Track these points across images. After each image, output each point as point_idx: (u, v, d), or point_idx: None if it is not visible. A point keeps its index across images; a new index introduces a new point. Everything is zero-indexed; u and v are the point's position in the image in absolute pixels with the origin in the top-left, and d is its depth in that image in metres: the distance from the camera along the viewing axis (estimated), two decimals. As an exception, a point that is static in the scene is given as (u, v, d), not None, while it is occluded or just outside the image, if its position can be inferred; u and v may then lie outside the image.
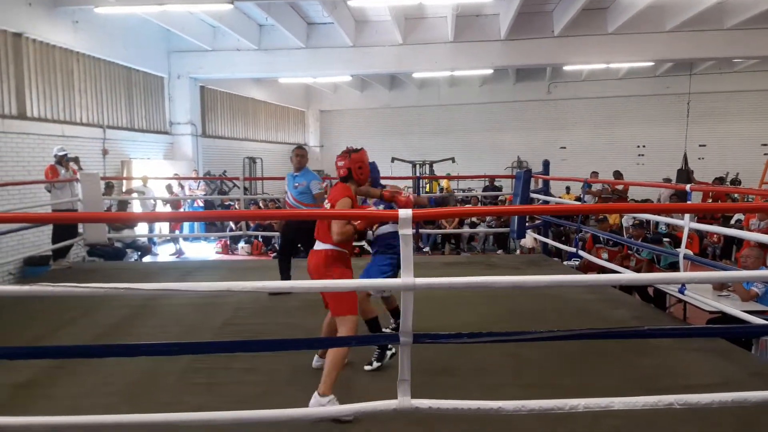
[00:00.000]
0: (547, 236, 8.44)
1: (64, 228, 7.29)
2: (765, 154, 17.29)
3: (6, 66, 9.48)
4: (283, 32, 13.32)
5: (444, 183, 16.49)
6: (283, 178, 6.44)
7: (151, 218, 10.02)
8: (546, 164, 8.28)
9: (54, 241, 7.37)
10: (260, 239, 12.56)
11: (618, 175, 14.60)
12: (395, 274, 3.77)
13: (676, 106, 19.21)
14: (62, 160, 7.58)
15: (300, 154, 5.89)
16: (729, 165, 17.87)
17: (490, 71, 16.59)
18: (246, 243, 12.73)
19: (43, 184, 7.63)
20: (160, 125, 14.49)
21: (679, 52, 13.99)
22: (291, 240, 6.11)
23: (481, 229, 12.04)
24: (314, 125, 22.35)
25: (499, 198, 13.71)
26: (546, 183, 8.44)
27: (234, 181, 13.48)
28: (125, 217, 8.41)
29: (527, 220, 8.07)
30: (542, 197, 8.23)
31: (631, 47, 13.69)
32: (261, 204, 13.41)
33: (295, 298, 5.36)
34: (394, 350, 3.57)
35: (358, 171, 3.51)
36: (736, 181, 16.78)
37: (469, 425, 2.86)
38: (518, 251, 11.35)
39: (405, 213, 2.43)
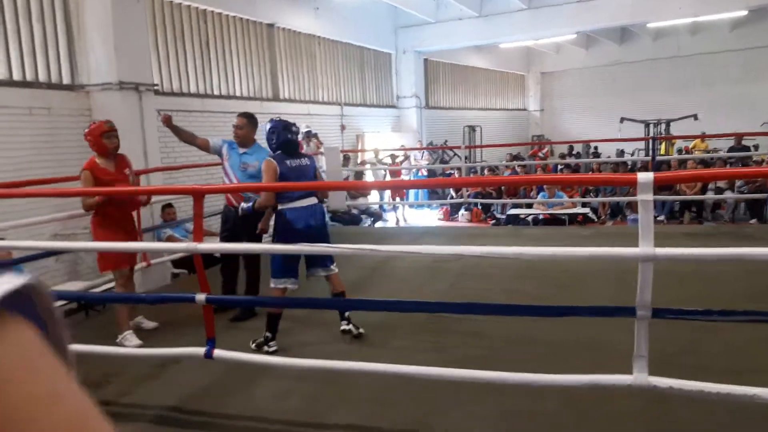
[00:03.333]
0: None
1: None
2: None
3: (263, 54, 10.96)
4: (504, -5, 13.08)
5: (695, 143, 14.73)
6: (505, 145, 6.17)
7: (381, 186, 10.92)
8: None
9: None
10: (479, 206, 12.74)
11: None
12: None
13: None
14: (306, 136, 8.59)
15: (241, 124, 4.56)
16: None
17: (743, 13, 14.21)
18: (466, 210, 13.03)
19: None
20: (388, 99, 15.45)
21: None
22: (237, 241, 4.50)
23: (729, 194, 10.55)
24: (534, 88, 21.65)
25: (755, 159, 11.84)
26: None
27: (455, 149, 13.81)
28: (360, 185, 9.28)
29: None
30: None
31: None
32: (480, 171, 13.57)
33: (514, 265, 5.30)
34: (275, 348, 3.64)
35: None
36: None
37: (713, 413, 2.63)
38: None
39: (645, 176, 2.31)
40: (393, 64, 15.49)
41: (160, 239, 7.01)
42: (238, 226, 4.45)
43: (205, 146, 4.67)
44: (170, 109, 8.94)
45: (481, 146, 16.12)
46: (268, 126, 3.92)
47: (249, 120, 4.61)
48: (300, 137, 8.59)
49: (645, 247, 2.31)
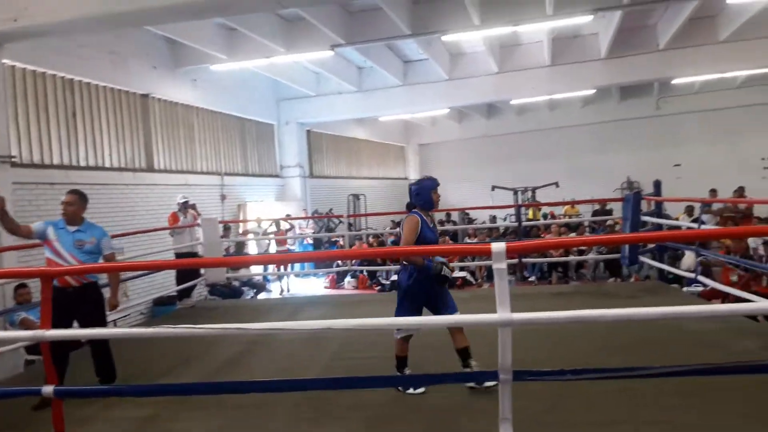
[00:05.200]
0: (662, 261, 7.93)
1: (188, 270, 7.94)
2: None
3: (136, 124, 10.61)
4: (381, 72, 13.82)
5: (566, 209, 15.97)
6: (388, 213, 6.37)
7: (264, 261, 10.68)
8: (657, 184, 7.83)
9: (178, 283, 8.02)
10: (365, 273, 12.85)
11: (741, 191, 13.45)
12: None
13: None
14: (183, 208, 8.30)
15: (72, 201, 4.34)
16: None
17: (592, 91, 16.10)
18: (352, 277, 13.08)
19: (168, 230, 8.38)
20: (271, 169, 15.43)
21: (805, 54, 12.81)
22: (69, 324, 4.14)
23: (591, 256, 11.53)
24: (414, 159, 22.71)
25: (607, 222, 13.08)
26: (658, 205, 7.97)
27: (339, 218, 13.97)
28: (241, 261, 9.04)
29: (641, 245, 7.63)
30: (655, 220, 7.76)
31: (747, 54, 12.74)
32: (365, 239, 13.78)
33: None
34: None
35: None
36: None
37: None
38: (632, 278, 10.74)
39: (498, 246, 2.45)
40: (276, 135, 15.61)
41: (12, 323, 6.34)
42: (72, 308, 4.12)
43: (28, 233, 4.35)
44: (31, 182, 8.39)
45: (365, 214, 16.47)
46: (415, 187, 4.08)
47: (80, 197, 4.45)
48: (176, 208, 8.31)
49: (502, 313, 2.43)
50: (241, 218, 13.13)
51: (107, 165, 9.83)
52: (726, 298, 6.35)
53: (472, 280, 11.58)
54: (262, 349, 5.40)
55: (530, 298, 6.97)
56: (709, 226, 9.45)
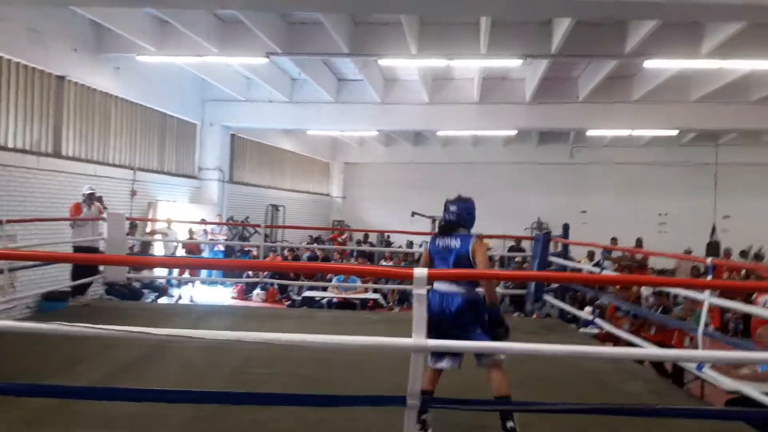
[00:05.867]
0: (564, 300, 8.32)
1: (86, 266, 7.41)
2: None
3: (47, 106, 9.91)
4: (314, 86, 13.76)
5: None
6: (307, 228, 6.30)
7: (170, 264, 10.19)
8: (565, 227, 8.25)
9: (74, 278, 7.48)
10: (276, 287, 12.57)
11: (639, 243, 14.44)
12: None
13: (701, 176, 19.17)
14: (88, 199, 7.79)
15: None
16: (754, 238, 17.56)
17: (514, 132, 16.82)
18: (262, 290, 12.76)
19: (69, 221, 7.82)
20: (188, 169, 14.87)
21: (704, 122, 14.10)
22: None
23: (498, 290, 11.90)
24: (338, 176, 22.67)
25: (516, 259, 13.61)
26: (565, 247, 8.39)
27: (255, 227, 13.64)
28: (144, 261, 8.55)
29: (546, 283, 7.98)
30: (561, 261, 8.16)
31: (655, 116, 13.83)
32: (280, 251, 13.52)
33: (304, 348, 5.26)
34: None
35: None
36: (760, 256, 16.44)
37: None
38: (535, 315, 11.18)
39: (420, 272, 2.45)
40: (198, 135, 15.10)
41: None
42: None
43: None
44: None
45: (283, 226, 16.20)
46: (465, 205, 4.06)
47: None
48: (80, 199, 7.79)
49: (417, 338, 2.43)
50: (150, 217, 12.51)
51: (10, 146, 9.11)
52: (617, 342, 6.73)
53: (383, 302, 11.61)
54: (160, 358, 5.11)
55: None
56: (608, 272, 10.04)
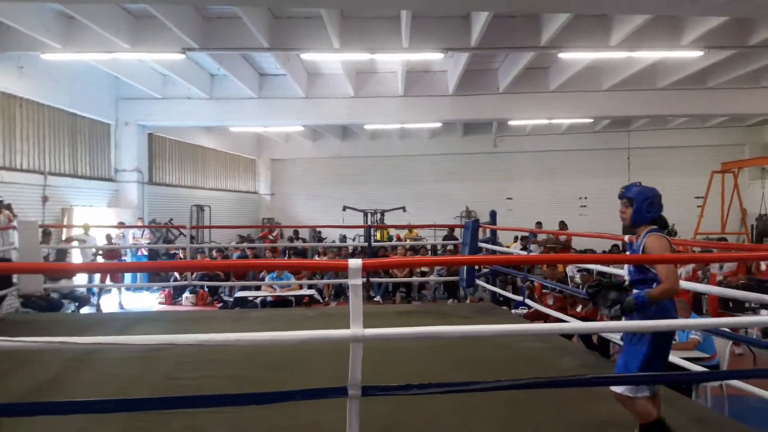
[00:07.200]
0: (495, 285, 8.56)
1: (-4, 278, 6.90)
2: (698, 207, 18.20)
3: (-59, 109, 9.15)
4: (235, 82, 13.42)
5: (406, 233, 16.58)
6: (235, 227, 6.14)
7: (91, 269, 9.64)
8: (493, 214, 8.48)
9: (-16, 292, 6.95)
10: (206, 289, 12.21)
11: (563, 225, 15.08)
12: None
13: (616, 160, 20.26)
14: (-4, 207, 7.28)
15: None
16: (667, 216, 18.73)
17: (438, 125, 17.09)
18: (191, 293, 12.35)
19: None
20: (104, 172, 14.15)
21: (616, 109, 14.85)
22: None
23: (432, 278, 12.11)
24: (265, 173, 22.28)
25: (448, 247, 13.88)
26: (493, 233, 8.63)
27: (180, 229, 13.17)
28: (61, 267, 8.03)
29: (477, 269, 8.18)
30: (490, 246, 8.38)
31: (571, 104, 14.44)
32: (207, 252, 13.13)
33: (238, 350, 5.16)
34: None
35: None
36: (672, 232, 17.59)
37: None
38: (468, 300, 11.45)
39: (355, 263, 2.44)
40: (112, 136, 14.38)
41: None
42: None
43: None
44: None
45: (210, 227, 15.73)
46: (645, 192, 3.52)
47: None
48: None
49: (355, 329, 2.41)
50: (65, 223, 11.80)
51: None
52: (546, 319, 7.01)
53: (319, 298, 11.52)
54: (85, 369, 4.83)
55: (376, 316, 7.09)
56: (535, 254, 10.44)
